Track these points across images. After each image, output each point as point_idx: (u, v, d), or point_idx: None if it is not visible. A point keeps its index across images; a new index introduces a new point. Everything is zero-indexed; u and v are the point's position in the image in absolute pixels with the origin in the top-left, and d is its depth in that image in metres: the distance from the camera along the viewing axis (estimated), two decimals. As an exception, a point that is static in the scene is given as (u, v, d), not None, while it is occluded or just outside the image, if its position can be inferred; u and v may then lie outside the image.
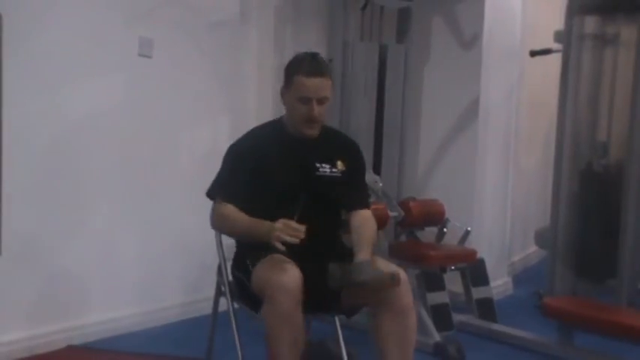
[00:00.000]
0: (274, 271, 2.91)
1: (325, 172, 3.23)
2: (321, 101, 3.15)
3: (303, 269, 2.96)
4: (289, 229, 2.94)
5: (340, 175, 3.27)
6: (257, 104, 5.01)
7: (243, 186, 3.18)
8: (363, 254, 3.09)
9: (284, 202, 3.12)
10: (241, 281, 3.19)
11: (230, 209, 3.18)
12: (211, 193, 3.27)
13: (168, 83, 4.49)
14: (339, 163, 3.27)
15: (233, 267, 3.30)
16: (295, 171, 3.20)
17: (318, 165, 3.23)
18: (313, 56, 3.22)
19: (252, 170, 3.17)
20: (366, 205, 3.37)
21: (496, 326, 4.72)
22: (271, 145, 3.25)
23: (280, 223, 2.96)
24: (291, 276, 2.89)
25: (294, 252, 2.98)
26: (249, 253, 3.15)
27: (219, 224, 3.28)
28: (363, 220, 3.27)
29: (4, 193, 3.70)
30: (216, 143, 4.77)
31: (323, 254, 3.05)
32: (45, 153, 3.93)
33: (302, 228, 2.94)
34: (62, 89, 3.96)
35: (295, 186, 3.17)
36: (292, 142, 3.25)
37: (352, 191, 3.31)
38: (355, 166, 3.37)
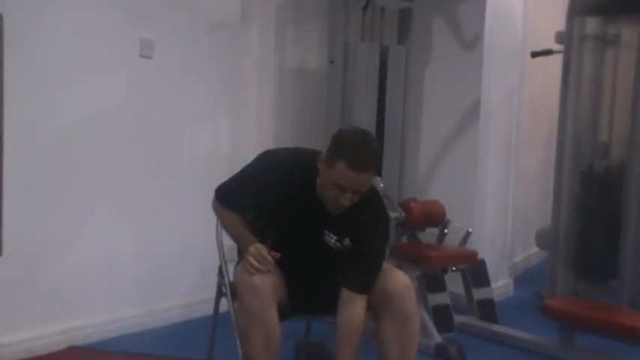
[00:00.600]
0: (245, 272, 2.92)
1: (329, 241, 3.09)
2: (357, 193, 2.93)
3: (303, 272, 2.97)
4: (259, 257, 2.92)
5: (342, 249, 3.09)
6: (257, 105, 5.01)
7: (253, 202, 3.13)
8: None
9: (282, 243, 3.05)
10: None
11: (225, 211, 3.20)
12: (219, 191, 3.21)
13: (168, 84, 4.49)
14: (346, 241, 3.08)
15: (237, 266, 3.30)
16: (303, 226, 3.08)
17: (326, 232, 3.09)
18: (366, 144, 2.88)
19: (265, 197, 3.07)
20: (361, 289, 3.01)
21: (497, 327, 4.72)
22: (294, 189, 3.05)
23: (253, 248, 2.95)
24: (261, 277, 2.88)
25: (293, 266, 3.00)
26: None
27: (218, 215, 3.28)
28: (350, 323, 3.00)
29: (5, 194, 3.70)
30: (216, 144, 4.78)
31: (322, 268, 3.06)
32: (46, 153, 3.93)
33: (270, 260, 2.91)
34: (63, 89, 3.96)
35: (297, 239, 3.09)
36: (313, 200, 3.02)
37: (351, 267, 3.04)
38: (365, 244, 3.07)
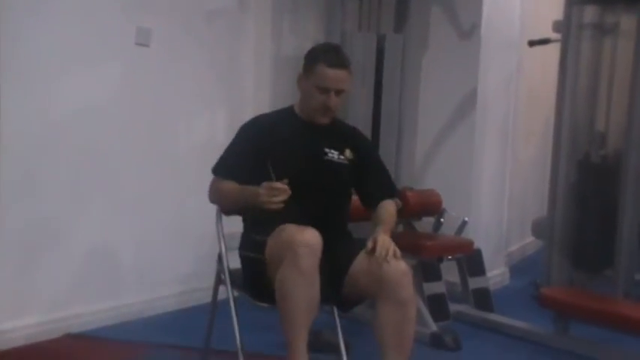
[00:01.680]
0: (295, 230, 2.94)
1: (333, 157, 3.29)
2: (339, 92, 3.21)
3: (317, 208, 3.12)
4: (273, 191, 2.98)
5: (347, 163, 3.32)
6: (254, 93, 5.01)
7: (247, 164, 3.22)
8: (377, 231, 3.14)
9: (289, 185, 3.13)
10: (252, 261, 3.19)
11: (223, 182, 3.22)
12: (217, 168, 3.31)
13: (165, 72, 4.48)
14: (347, 152, 3.32)
15: (242, 249, 3.31)
16: (303, 154, 3.25)
17: (326, 150, 3.29)
18: (337, 48, 3.32)
19: (258, 150, 3.22)
20: (389, 196, 3.42)
21: (492, 316, 4.73)
22: (282, 127, 3.30)
23: (263, 188, 3.00)
24: (313, 234, 2.92)
25: None
26: (258, 229, 3.16)
27: (214, 197, 3.32)
28: (380, 206, 3.34)
29: (1, 181, 3.69)
30: (213, 132, 4.78)
31: (330, 241, 3.06)
32: (42, 141, 3.92)
33: (284, 187, 2.98)
34: (60, 77, 3.95)
35: (302, 169, 3.20)
36: (303, 127, 3.31)
37: (372, 186, 3.39)
38: (367, 156, 3.43)
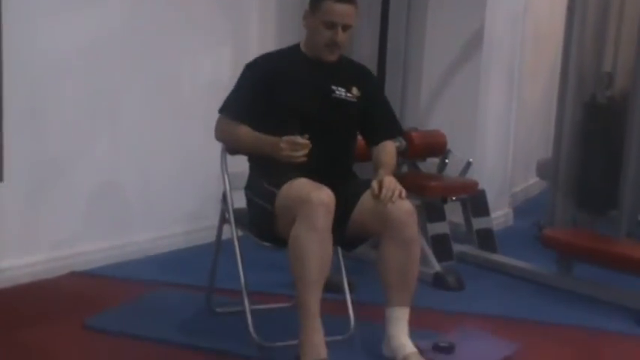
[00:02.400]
0: (310, 188, 2.94)
1: (340, 94, 3.28)
2: (345, 28, 3.19)
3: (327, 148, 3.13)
4: (294, 146, 3.00)
5: (355, 100, 3.31)
6: (259, 32, 4.97)
7: (255, 105, 3.22)
8: (380, 174, 3.15)
9: (297, 123, 3.12)
10: (260, 208, 3.19)
11: (234, 125, 3.21)
12: (225, 108, 3.29)
13: (168, 11, 4.43)
14: (354, 89, 3.31)
15: (249, 191, 3.32)
16: (311, 92, 3.25)
17: (334, 87, 3.28)
18: None
19: (266, 89, 3.21)
20: (392, 136, 3.44)
21: (496, 257, 4.75)
22: (288, 65, 3.30)
23: (284, 143, 3.01)
24: (328, 193, 2.93)
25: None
26: (267, 176, 3.16)
27: (223, 137, 3.31)
28: (381, 147, 3.34)
29: (5, 119, 3.68)
30: (218, 72, 4.74)
31: (336, 181, 3.07)
32: (46, 79, 3.89)
33: (306, 142, 2.99)
34: (62, 16, 3.89)
35: (310, 106, 3.21)
36: (309, 65, 3.30)
37: (377, 123, 3.39)
38: (373, 93, 3.43)
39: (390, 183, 3.06)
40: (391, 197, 3.02)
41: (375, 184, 3.06)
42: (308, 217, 2.88)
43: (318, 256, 2.90)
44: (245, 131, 3.20)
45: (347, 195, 3.11)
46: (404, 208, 3.04)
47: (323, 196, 2.91)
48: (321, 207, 2.89)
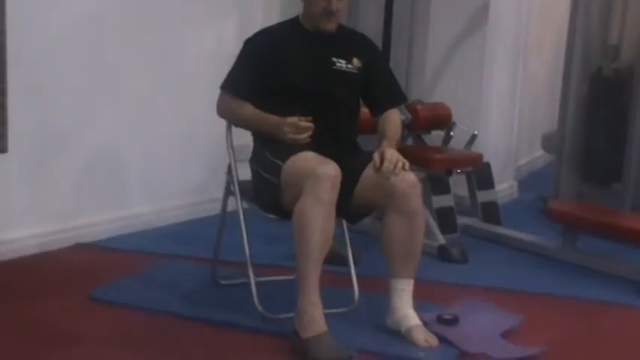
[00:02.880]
0: (316, 162, 2.94)
1: (341, 66, 3.26)
2: None
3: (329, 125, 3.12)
4: (298, 129, 3.01)
5: (356, 71, 3.29)
6: (263, 2, 4.95)
7: (256, 81, 3.20)
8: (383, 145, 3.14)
9: (300, 97, 3.12)
10: (265, 180, 3.18)
11: (237, 102, 3.20)
12: (226, 85, 3.29)
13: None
14: (355, 60, 3.29)
15: (254, 164, 3.31)
16: (311, 65, 3.23)
17: (334, 59, 3.26)
18: None
19: (267, 65, 3.20)
20: (396, 103, 3.44)
21: (500, 229, 4.76)
22: (287, 40, 3.28)
23: (287, 126, 3.02)
24: (334, 167, 2.93)
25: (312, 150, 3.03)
26: (271, 148, 3.16)
27: (225, 114, 3.31)
28: (385, 117, 3.32)
29: (9, 90, 3.68)
30: (222, 43, 4.73)
31: (339, 154, 3.07)
32: (50, 50, 3.89)
33: (309, 125, 3.00)
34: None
35: (312, 80, 3.20)
36: (309, 37, 3.28)
37: (380, 92, 3.37)
38: (375, 63, 3.39)
39: (392, 155, 3.05)
40: (393, 170, 3.01)
41: (376, 157, 3.06)
42: (314, 191, 2.88)
43: (322, 231, 2.90)
44: (248, 110, 3.19)
45: (351, 168, 3.10)
46: (408, 180, 3.04)
47: (329, 169, 2.91)
48: (327, 181, 2.89)
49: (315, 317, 2.92)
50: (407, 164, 3.05)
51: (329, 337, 2.91)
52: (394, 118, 3.35)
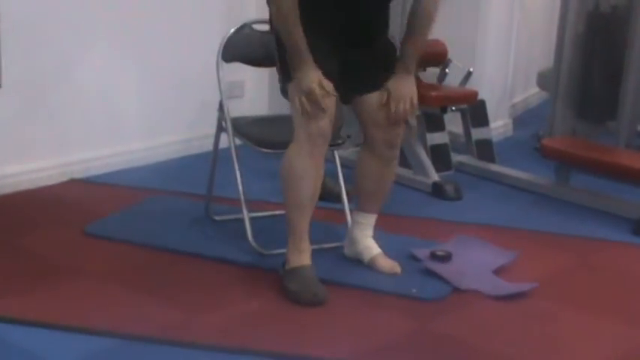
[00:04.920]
0: (314, 111, 2.85)
1: None
2: None
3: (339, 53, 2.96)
4: (320, 92, 2.84)
5: None
6: None
7: None
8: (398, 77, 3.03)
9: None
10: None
11: (295, 17, 2.84)
12: None
13: None
14: None
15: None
16: None
17: None
18: None
19: None
20: None
21: (494, 167, 4.76)
22: None
23: (305, 96, 2.85)
24: (327, 124, 2.89)
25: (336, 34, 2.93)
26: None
27: (278, 16, 2.91)
28: (418, 4, 3.10)
29: (2, 26, 3.64)
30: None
31: (363, 44, 3.02)
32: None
33: (332, 92, 2.87)
34: None
35: None
36: None
37: None
38: None
39: (399, 100, 3.00)
40: (394, 121, 3.02)
41: (384, 95, 3.01)
42: (305, 144, 2.89)
43: (312, 182, 2.93)
44: (298, 35, 2.85)
45: (371, 59, 3.04)
46: (396, 131, 3.07)
47: (323, 126, 2.88)
48: (320, 138, 2.89)
49: (304, 265, 2.99)
50: (415, 102, 3.04)
51: (311, 270, 2.98)
52: (428, 8, 3.11)
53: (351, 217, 3.30)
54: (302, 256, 3.00)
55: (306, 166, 2.90)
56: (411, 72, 3.07)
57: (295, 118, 2.92)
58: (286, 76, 2.96)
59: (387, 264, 3.17)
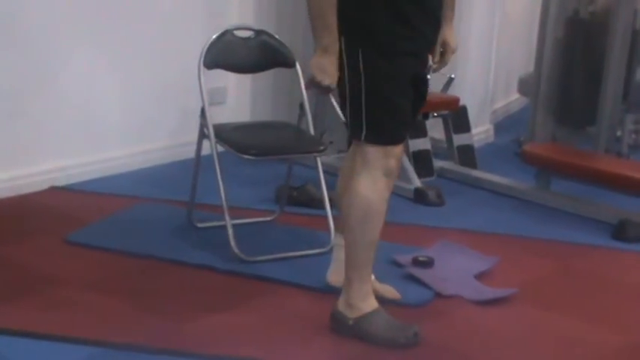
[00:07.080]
0: (397, 143, 2.76)
1: None
2: None
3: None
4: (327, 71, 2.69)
5: None
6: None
7: None
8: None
9: None
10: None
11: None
12: None
13: None
14: None
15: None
16: None
17: None
18: None
19: None
20: None
21: (476, 172, 4.77)
22: None
23: (320, 68, 2.67)
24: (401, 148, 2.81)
25: None
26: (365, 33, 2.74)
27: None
28: None
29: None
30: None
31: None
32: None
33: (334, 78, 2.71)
34: None
35: None
36: None
37: None
38: None
39: (454, 51, 3.06)
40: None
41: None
42: (382, 180, 2.75)
43: (384, 215, 2.81)
44: (333, 16, 2.66)
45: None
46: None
47: (400, 160, 2.83)
48: (397, 171, 2.82)
49: (370, 302, 2.84)
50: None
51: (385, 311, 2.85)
52: None
53: (335, 242, 3.12)
54: (371, 299, 2.84)
55: (383, 201, 2.78)
56: (452, 21, 3.08)
57: (368, 154, 2.75)
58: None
59: (386, 290, 3.04)
